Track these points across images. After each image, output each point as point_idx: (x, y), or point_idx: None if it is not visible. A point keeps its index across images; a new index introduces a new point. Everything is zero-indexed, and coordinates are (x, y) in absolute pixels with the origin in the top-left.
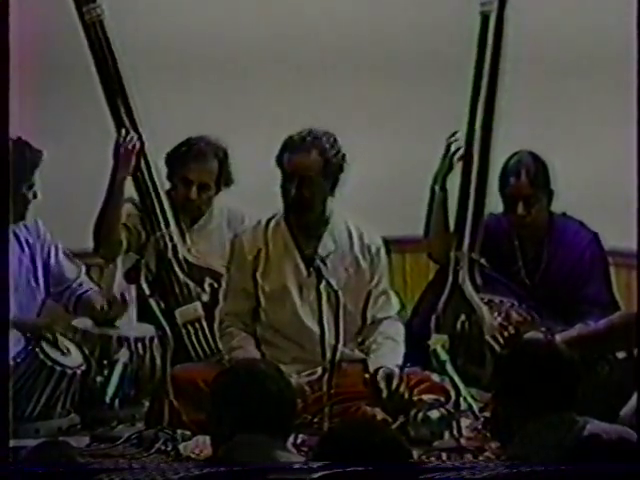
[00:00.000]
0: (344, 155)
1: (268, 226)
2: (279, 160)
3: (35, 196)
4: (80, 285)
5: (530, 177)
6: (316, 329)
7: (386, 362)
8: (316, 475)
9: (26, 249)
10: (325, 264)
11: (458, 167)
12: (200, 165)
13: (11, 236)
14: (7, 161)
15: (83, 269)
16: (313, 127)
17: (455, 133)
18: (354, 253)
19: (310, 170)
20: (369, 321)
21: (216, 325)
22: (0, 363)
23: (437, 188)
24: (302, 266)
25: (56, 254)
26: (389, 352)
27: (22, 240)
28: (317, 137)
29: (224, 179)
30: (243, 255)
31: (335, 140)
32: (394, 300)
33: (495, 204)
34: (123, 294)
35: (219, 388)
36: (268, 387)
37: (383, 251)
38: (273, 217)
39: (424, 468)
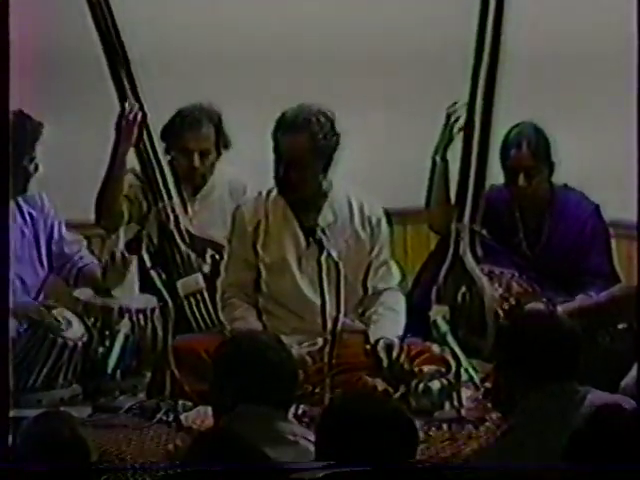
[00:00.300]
0: (338, 135)
1: (268, 198)
2: (273, 136)
3: (37, 169)
4: (81, 258)
5: (531, 149)
6: (316, 300)
7: (387, 333)
8: (320, 475)
9: (29, 222)
10: (326, 235)
11: (459, 138)
12: (197, 133)
13: (14, 208)
14: (7, 136)
15: (84, 243)
16: (308, 103)
17: (455, 103)
18: (354, 225)
19: (298, 152)
20: (370, 292)
21: (218, 296)
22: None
23: (438, 159)
24: (302, 237)
25: (59, 228)
26: (390, 323)
27: (25, 213)
28: (308, 118)
29: (222, 142)
30: (244, 226)
31: (328, 118)
32: (395, 271)
33: (496, 175)
34: (124, 254)
35: (221, 358)
36: (269, 358)
37: (384, 222)
38: (273, 189)
39: (426, 468)
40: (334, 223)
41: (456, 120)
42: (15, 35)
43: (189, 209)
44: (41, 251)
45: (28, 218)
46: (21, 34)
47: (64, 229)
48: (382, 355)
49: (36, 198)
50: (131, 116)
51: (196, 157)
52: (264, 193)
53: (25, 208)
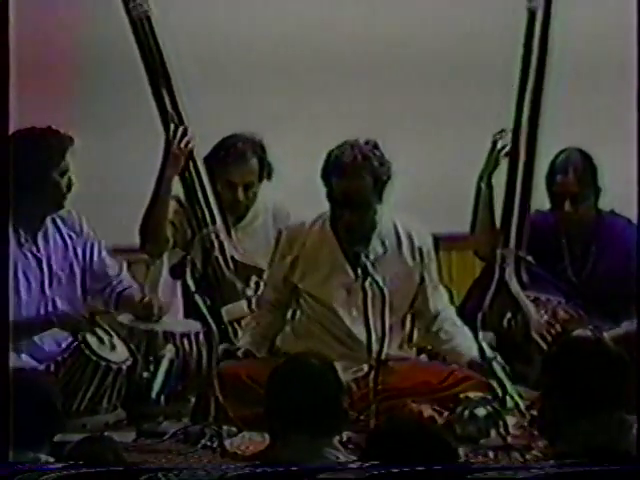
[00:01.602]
0: (390, 165)
1: (312, 228)
2: (325, 178)
3: (70, 184)
4: (120, 282)
5: (578, 174)
6: (361, 327)
7: (464, 347)
8: (366, 475)
9: (69, 244)
10: (369, 260)
11: (504, 164)
12: (241, 166)
13: (52, 227)
14: (7, 157)
15: (124, 266)
16: (356, 138)
17: (502, 131)
18: (403, 255)
19: (363, 195)
20: (431, 313)
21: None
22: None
23: (483, 185)
24: (349, 268)
25: (99, 252)
26: (462, 337)
27: (64, 234)
28: (366, 156)
29: (266, 173)
30: (284, 252)
31: (379, 150)
32: (445, 296)
33: (541, 201)
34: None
35: (272, 384)
36: (319, 385)
37: (433, 250)
38: (318, 219)
39: (472, 468)
40: (383, 254)
41: (503, 147)
42: (57, 53)
43: (233, 236)
44: (81, 273)
45: (68, 240)
46: (71, 54)
47: (104, 252)
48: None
49: (75, 220)
50: (179, 142)
51: (240, 191)
52: (308, 223)
53: (64, 230)
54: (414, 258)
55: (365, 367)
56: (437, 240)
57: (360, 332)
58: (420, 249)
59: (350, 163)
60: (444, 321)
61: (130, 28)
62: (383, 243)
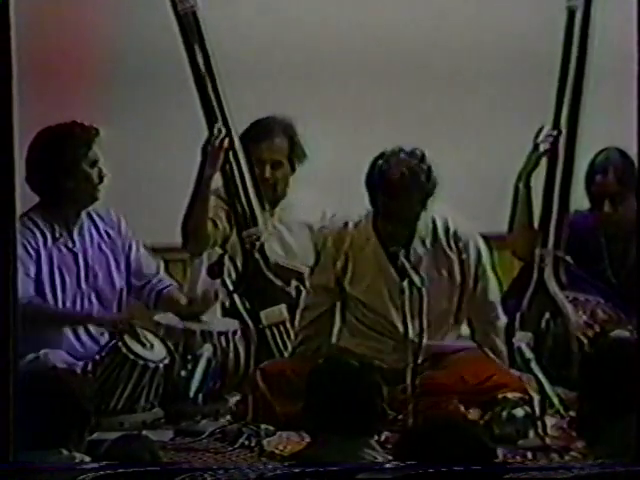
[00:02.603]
0: (436, 178)
1: (356, 229)
2: (370, 186)
3: (102, 175)
4: (160, 281)
5: (617, 174)
6: (401, 326)
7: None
8: (403, 475)
9: (107, 240)
10: (409, 260)
11: (543, 164)
12: (269, 143)
13: (89, 224)
14: (12, 154)
15: (162, 265)
16: (401, 145)
17: (542, 129)
18: (446, 250)
19: (408, 212)
20: (490, 305)
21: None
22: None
23: (521, 185)
24: (391, 268)
25: (137, 250)
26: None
27: (101, 230)
28: (414, 172)
29: (296, 155)
30: (327, 254)
31: (426, 162)
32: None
33: (581, 201)
34: (209, 291)
35: (311, 384)
36: (358, 386)
37: (481, 243)
38: (361, 219)
39: (509, 468)
40: (427, 253)
41: (544, 148)
42: (98, 48)
43: (270, 223)
44: (118, 270)
45: (105, 236)
46: (113, 52)
47: (142, 250)
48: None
49: (113, 217)
50: (219, 141)
51: (267, 167)
52: (351, 224)
53: (101, 226)
54: (459, 253)
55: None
56: (485, 237)
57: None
58: (465, 243)
59: (397, 181)
60: (498, 314)
61: (176, 23)
62: (423, 242)
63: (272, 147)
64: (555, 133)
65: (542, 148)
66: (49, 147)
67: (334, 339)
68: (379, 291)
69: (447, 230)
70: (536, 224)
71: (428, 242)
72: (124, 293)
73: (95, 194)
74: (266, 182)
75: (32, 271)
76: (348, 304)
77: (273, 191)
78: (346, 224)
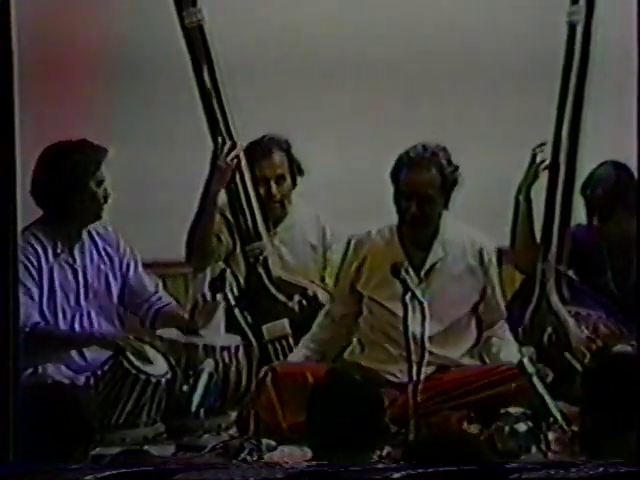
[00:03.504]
0: (458, 168)
1: (378, 236)
2: (394, 176)
3: (107, 195)
4: (159, 299)
5: (607, 189)
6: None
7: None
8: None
9: (105, 259)
10: (409, 274)
11: (543, 177)
12: (270, 160)
13: (89, 242)
14: (14, 167)
15: (160, 284)
16: (425, 142)
17: (542, 144)
18: (466, 259)
19: (429, 188)
20: (500, 317)
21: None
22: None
23: (522, 198)
24: (412, 274)
25: (135, 268)
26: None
27: (100, 248)
28: (434, 153)
29: (295, 168)
30: (350, 259)
31: (448, 153)
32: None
33: (582, 214)
34: (211, 305)
35: (313, 398)
36: (361, 400)
37: (495, 258)
38: (384, 228)
39: (509, 469)
40: (444, 258)
41: (542, 160)
42: (103, 63)
43: (275, 240)
44: (117, 288)
45: (104, 254)
46: (118, 64)
47: (140, 268)
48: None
49: (112, 235)
50: (227, 157)
51: (273, 184)
52: (374, 232)
53: (101, 244)
54: (477, 263)
55: (429, 370)
56: (500, 251)
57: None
58: (482, 255)
59: (419, 157)
60: (501, 328)
61: (182, 37)
62: (445, 249)
63: (273, 163)
64: (550, 147)
65: (539, 160)
66: (58, 163)
67: (346, 354)
68: (392, 291)
69: (472, 242)
70: (538, 237)
71: (449, 250)
72: (122, 311)
73: (99, 213)
74: (273, 198)
75: (35, 292)
76: (363, 314)
77: (281, 207)
78: (369, 232)
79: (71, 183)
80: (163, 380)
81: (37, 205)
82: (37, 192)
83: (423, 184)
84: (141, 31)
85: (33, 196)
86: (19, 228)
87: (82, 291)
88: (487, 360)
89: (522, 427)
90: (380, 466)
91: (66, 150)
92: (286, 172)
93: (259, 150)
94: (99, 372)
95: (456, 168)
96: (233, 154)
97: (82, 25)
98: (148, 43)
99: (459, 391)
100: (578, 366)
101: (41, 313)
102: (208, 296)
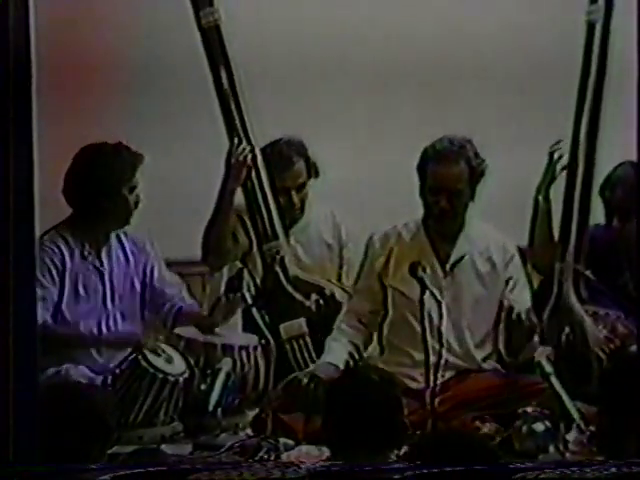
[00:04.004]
0: (485, 161)
1: (404, 230)
2: (421, 169)
3: (138, 201)
4: (181, 300)
5: (626, 190)
6: (448, 327)
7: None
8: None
9: (131, 261)
10: (426, 273)
11: (562, 177)
12: (290, 171)
13: (116, 243)
14: (32, 171)
15: (184, 286)
16: (450, 135)
17: (558, 142)
18: (490, 254)
19: (458, 182)
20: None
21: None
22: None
23: (541, 198)
24: (438, 267)
25: (159, 270)
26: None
27: (127, 251)
28: (462, 145)
29: (313, 171)
30: (373, 256)
31: (475, 146)
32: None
33: (601, 214)
34: (229, 303)
35: (331, 397)
36: (379, 400)
37: (516, 252)
38: (410, 222)
39: (521, 468)
40: (470, 253)
41: (559, 159)
42: (127, 67)
43: (291, 240)
44: (142, 291)
45: (131, 257)
46: (135, 64)
47: (164, 271)
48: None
49: (139, 237)
50: (242, 156)
51: (294, 194)
52: (399, 226)
53: (128, 246)
54: (500, 258)
55: (447, 374)
56: (521, 250)
57: (449, 334)
58: (506, 251)
59: (446, 150)
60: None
61: (200, 38)
62: (470, 243)
63: (295, 174)
64: (569, 147)
65: (556, 158)
66: (95, 165)
67: (365, 355)
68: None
69: (496, 239)
70: (556, 237)
71: (475, 246)
72: (146, 313)
73: (128, 218)
74: (293, 207)
75: (54, 293)
76: (389, 314)
77: (298, 213)
78: (394, 226)
79: (105, 186)
80: (181, 379)
81: (67, 203)
82: (69, 191)
83: (452, 178)
84: (157, 31)
85: (64, 195)
86: (37, 233)
87: (108, 294)
88: (505, 356)
89: (540, 427)
90: (395, 466)
91: (104, 152)
92: (305, 179)
93: (279, 159)
94: (117, 371)
95: (483, 160)
96: (249, 153)
97: (99, 26)
98: (164, 43)
99: (481, 404)
100: (596, 366)
101: (61, 315)
102: (226, 296)
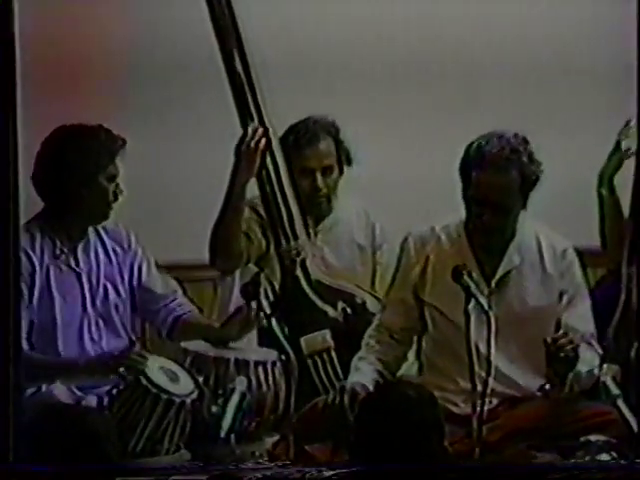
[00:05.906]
0: (540, 165)
1: (443, 234)
2: (464, 171)
3: (117, 192)
4: (179, 306)
5: None
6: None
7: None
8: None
9: (114, 260)
10: (473, 280)
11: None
12: (316, 148)
13: (95, 241)
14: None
15: (179, 289)
16: (501, 129)
17: (627, 124)
18: (544, 265)
19: (507, 195)
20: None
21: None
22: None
23: (604, 190)
24: (482, 281)
25: (148, 270)
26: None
27: (109, 249)
28: (514, 149)
29: (344, 157)
30: (411, 261)
31: (529, 145)
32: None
33: None
34: (247, 313)
35: (364, 413)
36: (414, 417)
37: (576, 259)
38: (450, 224)
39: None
40: (520, 265)
41: (628, 145)
42: (138, 55)
43: (315, 241)
44: (128, 293)
45: (112, 254)
46: (144, 51)
47: (154, 270)
48: None
49: (122, 234)
50: (254, 141)
51: (318, 176)
52: (438, 229)
53: (109, 243)
54: (556, 268)
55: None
56: (580, 253)
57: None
58: (565, 259)
59: (496, 154)
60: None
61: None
62: (520, 254)
63: (319, 152)
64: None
65: (625, 146)
66: (68, 147)
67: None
68: (460, 301)
69: (553, 248)
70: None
71: (527, 257)
72: (136, 319)
73: (107, 212)
74: (318, 192)
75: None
76: (427, 325)
77: (327, 202)
78: (432, 228)
79: (78, 174)
80: (188, 400)
81: (37, 192)
82: (39, 180)
83: (500, 190)
84: (169, 19)
85: (34, 183)
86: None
87: (87, 297)
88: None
89: (605, 458)
90: None
91: (77, 134)
92: (334, 162)
93: (303, 135)
94: (113, 392)
95: (539, 164)
96: (261, 138)
97: (107, 13)
98: (176, 28)
99: (537, 434)
100: None
101: (35, 330)
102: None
